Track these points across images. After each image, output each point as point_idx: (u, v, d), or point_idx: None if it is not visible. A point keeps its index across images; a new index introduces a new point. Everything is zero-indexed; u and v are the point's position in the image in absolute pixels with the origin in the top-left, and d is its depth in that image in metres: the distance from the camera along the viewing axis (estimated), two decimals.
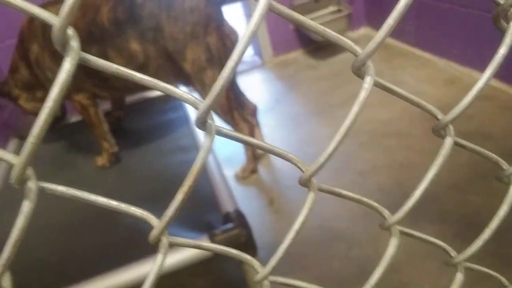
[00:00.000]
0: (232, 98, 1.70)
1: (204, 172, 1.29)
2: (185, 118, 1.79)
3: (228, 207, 1.13)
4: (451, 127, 0.34)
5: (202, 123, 0.29)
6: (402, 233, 0.36)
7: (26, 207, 0.29)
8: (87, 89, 1.48)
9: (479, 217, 1.43)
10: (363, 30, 3.17)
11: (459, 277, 0.44)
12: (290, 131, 2.26)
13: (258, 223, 1.62)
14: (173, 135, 1.70)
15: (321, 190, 0.34)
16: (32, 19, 1.47)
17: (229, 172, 1.96)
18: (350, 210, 1.60)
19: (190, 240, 0.35)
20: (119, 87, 1.52)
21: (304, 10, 2.92)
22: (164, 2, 1.37)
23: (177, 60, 1.43)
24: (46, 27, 1.42)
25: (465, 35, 2.24)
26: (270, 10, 0.27)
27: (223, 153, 2.12)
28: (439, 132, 0.35)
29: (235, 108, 1.67)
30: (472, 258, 0.40)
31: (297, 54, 3.11)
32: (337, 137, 0.32)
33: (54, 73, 1.49)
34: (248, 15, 2.98)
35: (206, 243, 0.36)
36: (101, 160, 1.57)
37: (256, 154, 1.97)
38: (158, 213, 0.34)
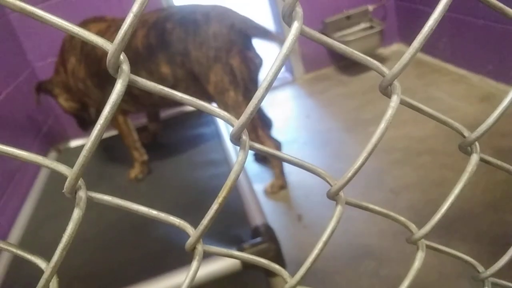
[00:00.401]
0: (256, 118, 1.73)
1: (234, 186, 1.31)
2: (217, 133, 1.83)
3: (257, 221, 1.15)
4: (477, 144, 0.35)
5: (237, 139, 0.31)
6: (429, 247, 0.37)
7: (76, 214, 0.32)
8: None
9: None
10: (396, 47, 3.15)
11: None
12: (320, 147, 2.26)
13: (286, 238, 1.62)
14: (204, 149, 1.74)
15: (348, 203, 0.36)
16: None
17: (259, 187, 1.97)
18: (380, 227, 1.58)
19: (223, 249, 0.37)
20: (146, 103, 1.62)
21: (336, 27, 2.93)
22: (191, 29, 1.44)
23: (202, 82, 1.50)
24: (85, 44, 1.54)
25: (501, 51, 2.20)
26: (301, 35, 0.29)
27: (253, 169, 2.14)
28: (465, 149, 0.36)
29: (260, 126, 1.71)
30: (499, 274, 0.40)
31: (328, 70, 3.11)
32: (364, 153, 0.33)
33: (85, 85, 1.59)
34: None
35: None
36: (133, 172, 1.63)
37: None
38: (190, 224, 0.36)
